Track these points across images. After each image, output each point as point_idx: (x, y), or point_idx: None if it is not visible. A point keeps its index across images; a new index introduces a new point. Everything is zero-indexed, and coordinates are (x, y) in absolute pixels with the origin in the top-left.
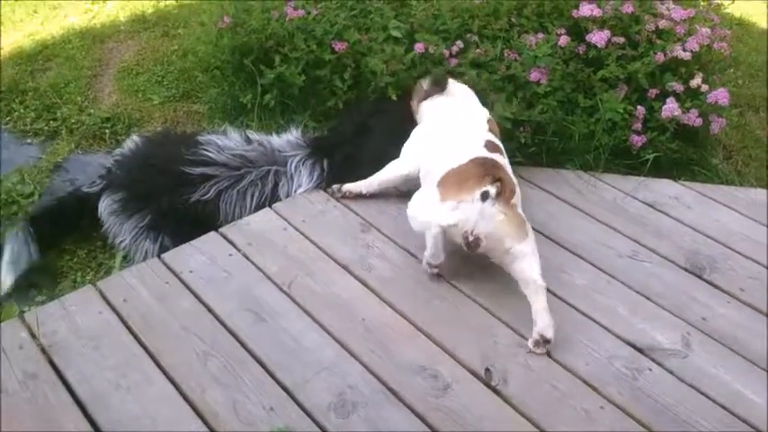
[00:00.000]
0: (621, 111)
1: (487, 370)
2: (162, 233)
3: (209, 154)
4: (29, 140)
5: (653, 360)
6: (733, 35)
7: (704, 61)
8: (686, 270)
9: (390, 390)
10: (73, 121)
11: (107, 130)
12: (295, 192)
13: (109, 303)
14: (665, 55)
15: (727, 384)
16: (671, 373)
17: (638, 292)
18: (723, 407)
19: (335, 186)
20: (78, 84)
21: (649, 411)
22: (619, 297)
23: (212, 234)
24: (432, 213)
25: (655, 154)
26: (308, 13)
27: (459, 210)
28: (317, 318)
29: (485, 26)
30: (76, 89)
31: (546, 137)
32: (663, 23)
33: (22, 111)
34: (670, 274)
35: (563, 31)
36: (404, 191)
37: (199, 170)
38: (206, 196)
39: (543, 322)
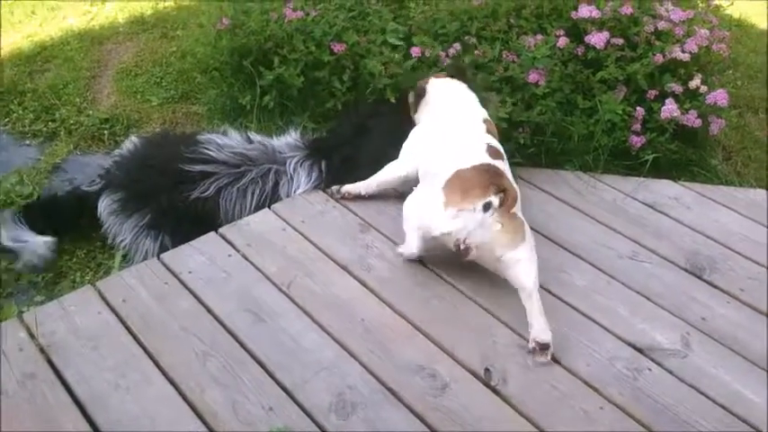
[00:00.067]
0: (620, 112)
1: (487, 370)
2: (162, 231)
3: (210, 152)
4: (27, 142)
5: (653, 360)
6: (732, 36)
7: (703, 62)
8: (686, 270)
9: (389, 390)
10: (71, 122)
11: (106, 132)
12: (294, 193)
13: (108, 304)
14: (663, 56)
15: (726, 384)
16: (671, 373)
17: (638, 293)
18: (723, 407)
19: (335, 187)
20: (77, 85)
21: (649, 411)
22: (619, 297)
23: (211, 234)
24: (430, 219)
25: (654, 155)
26: (307, 14)
27: (458, 218)
28: (316, 318)
29: (483, 28)
30: (75, 90)
31: (545, 138)
32: (662, 25)
33: (20, 112)
34: (670, 275)
35: (562, 32)
36: (402, 192)
37: (198, 168)
38: (206, 194)
39: (538, 326)
